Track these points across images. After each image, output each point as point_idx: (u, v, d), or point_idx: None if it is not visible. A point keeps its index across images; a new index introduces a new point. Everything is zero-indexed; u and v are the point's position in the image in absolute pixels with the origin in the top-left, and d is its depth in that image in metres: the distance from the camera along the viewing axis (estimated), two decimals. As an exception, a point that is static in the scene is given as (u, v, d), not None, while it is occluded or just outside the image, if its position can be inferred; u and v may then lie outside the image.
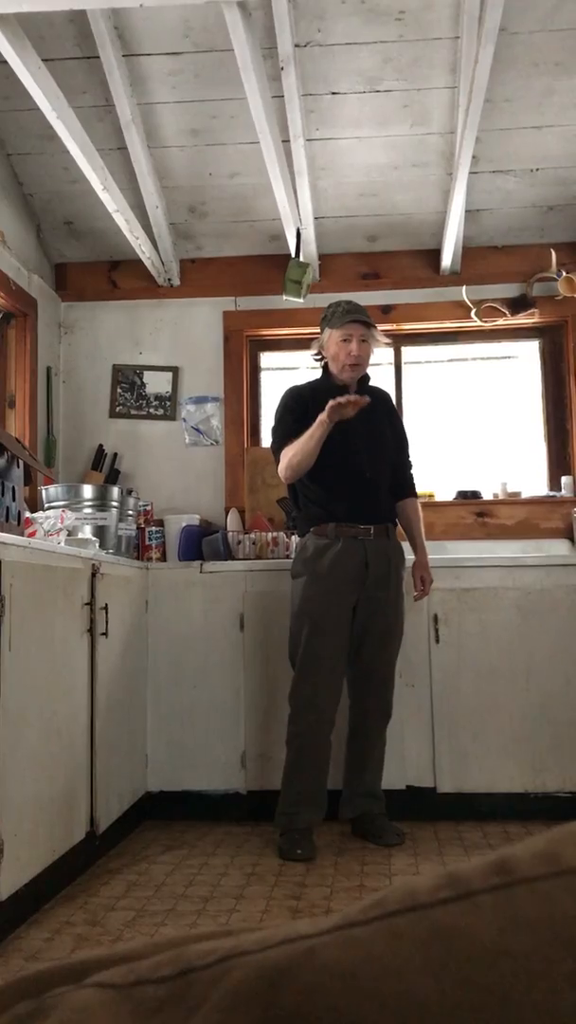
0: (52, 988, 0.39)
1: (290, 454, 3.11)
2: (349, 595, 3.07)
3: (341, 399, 2.93)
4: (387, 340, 3.31)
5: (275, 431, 3.27)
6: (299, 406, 3.19)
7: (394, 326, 4.41)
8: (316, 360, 3.32)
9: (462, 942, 0.32)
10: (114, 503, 3.72)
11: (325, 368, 3.28)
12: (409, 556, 3.28)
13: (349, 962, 0.33)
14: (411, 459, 3.40)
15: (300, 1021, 0.32)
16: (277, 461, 3.21)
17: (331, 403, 2.93)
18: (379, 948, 0.33)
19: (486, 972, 0.31)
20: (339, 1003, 0.32)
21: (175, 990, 0.36)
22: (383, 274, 4.38)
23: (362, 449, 3.14)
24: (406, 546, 3.29)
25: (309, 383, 3.38)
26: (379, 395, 3.34)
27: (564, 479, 4.21)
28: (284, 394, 3.31)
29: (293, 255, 4.06)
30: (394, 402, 3.44)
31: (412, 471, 3.39)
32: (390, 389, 4.44)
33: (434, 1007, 0.31)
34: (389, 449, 3.26)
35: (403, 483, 3.33)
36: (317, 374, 3.33)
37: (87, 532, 3.53)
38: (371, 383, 3.34)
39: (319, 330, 3.26)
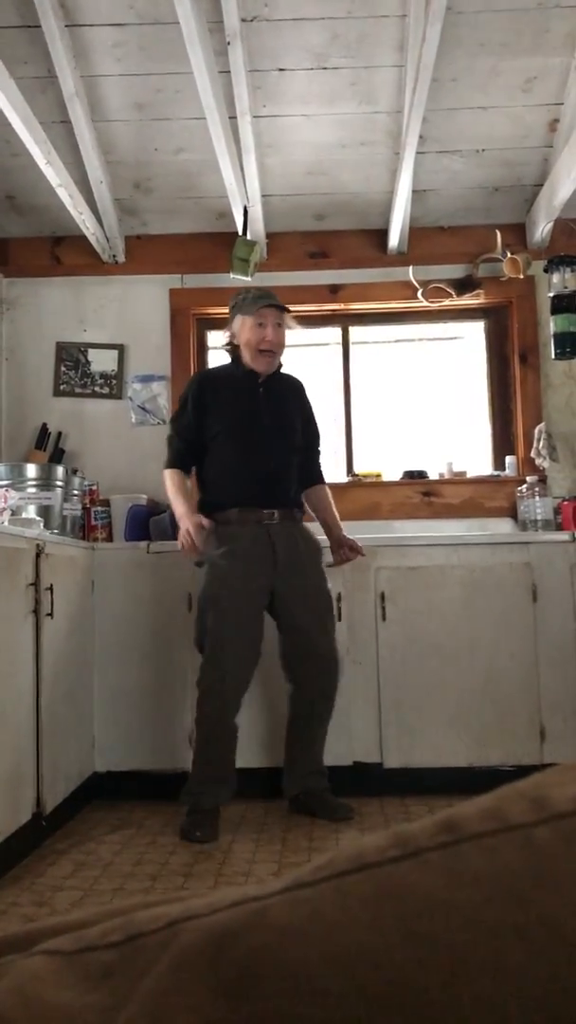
0: (1, 957, 0.39)
1: (168, 483, 3.21)
2: (256, 580, 3.04)
3: (191, 540, 3.04)
4: (298, 325, 3.31)
5: (174, 420, 3.32)
6: (203, 396, 3.20)
7: (341, 306, 4.41)
8: (226, 349, 3.30)
9: (410, 898, 0.33)
10: (59, 483, 3.68)
11: (235, 357, 3.25)
12: (323, 539, 3.30)
13: (298, 921, 0.33)
14: (320, 448, 3.43)
15: (250, 980, 0.32)
16: (168, 449, 3.27)
17: (184, 540, 3.04)
18: (327, 907, 0.33)
19: (434, 926, 0.32)
20: (288, 961, 0.32)
21: (124, 955, 0.36)
22: (330, 253, 4.38)
23: (268, 437, 3.15)
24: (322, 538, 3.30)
25: (219, 369, 3.39)
26: (291, 383, 3.36)
27: (508, 459, 4.26)
28: (191, 379, 3.33)
29: (240, 233, 4.03)
30: (307, 391, 3.41)
31: (320, 459, 3.42)
32: (337, 369, 4.46)
33: (383, 962, 0.31)
34: (297, 438, 3.26)
35: (312, 470, 3.36)
36: None
37: (31, 512, 3.48)
38: (284, 369, 3.34)
39: (228, 318, 3.26)
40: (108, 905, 0.42)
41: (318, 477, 3.39)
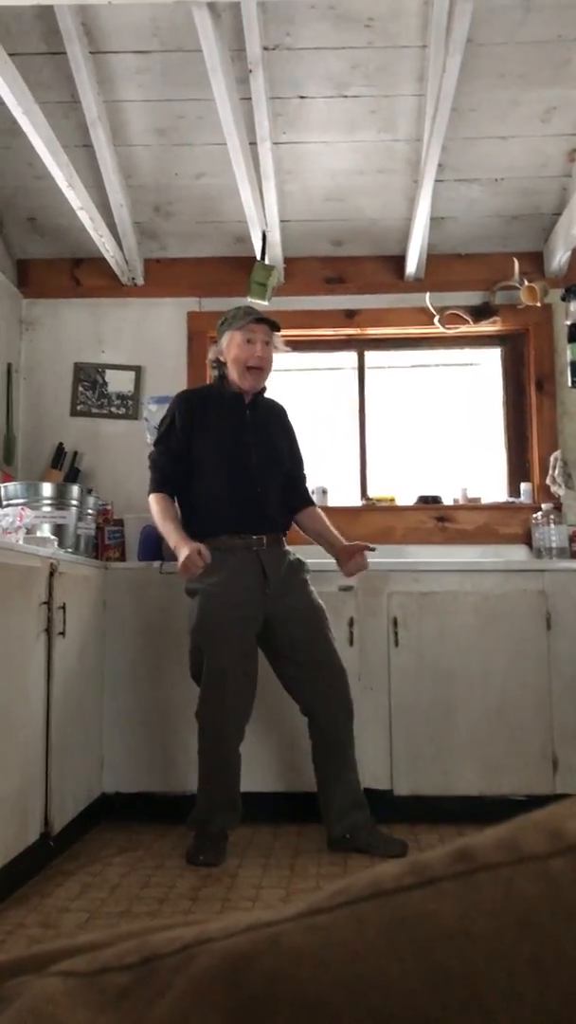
0: (14, 977, 0.39)
1: (155, 508, 3.11)
2: (249, 607, 2.99)
3: (194, 564, 2.91)
4: (287, 348, 3.25)
5: (158, 441, 3.22)
6: (190, 415, 3.13)
7: (358, 331, 4.43)
8: (212, 367, 3.26)
9: (425, 926, 0.32)
10: (73, 502, 3.70)
11: (221, 377, 3.20)
12: (316, 560, 3.23)
13: (313, 947, 0.33)
14: (305, 473, 3.37)
15: (264, 1006, 0.32)
16: (153, 472, 3.18)
17: (185, 563, 2.92)
18: (343, 933, 0.33)
19: (449, 955, 0.32)
20: (303, 988, 0.32)
21: (139, 977, 0.36)
22: (347, 279, 4.40)
23: (253, 463, 3.09)
24: (317, 555, 3.25)
25: (203, 388, 3.37)
26: (275, 409, 3.31)
27: (523, 486, 4.26)
28: (175, 399, 3.25)
29: (258, 257, 4.06)
30: (290, 417, 3.36)
31: (306, 484, 3.36)
32: (352, 394, 4.48)
33: (398, 990, 0.31)
34: (282, 463, 3.21)
35: (300, 494, 3.31)
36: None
37: (46, 531, 3.50)
38: (269, 395, 3.29)
39: (219, 338, 3.19)
40: (122, 927, 0.42)
41: (308, 500, 3.33)
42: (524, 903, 0.32)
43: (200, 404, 3.17)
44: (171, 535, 3.04)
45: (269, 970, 0.33)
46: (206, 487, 3.08)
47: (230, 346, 3.11)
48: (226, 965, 0.34)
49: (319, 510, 3.34)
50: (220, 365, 3.19)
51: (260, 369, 3.12)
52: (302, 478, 3.35)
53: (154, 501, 3.13)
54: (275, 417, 3.28)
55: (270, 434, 3.19)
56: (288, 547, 3.16)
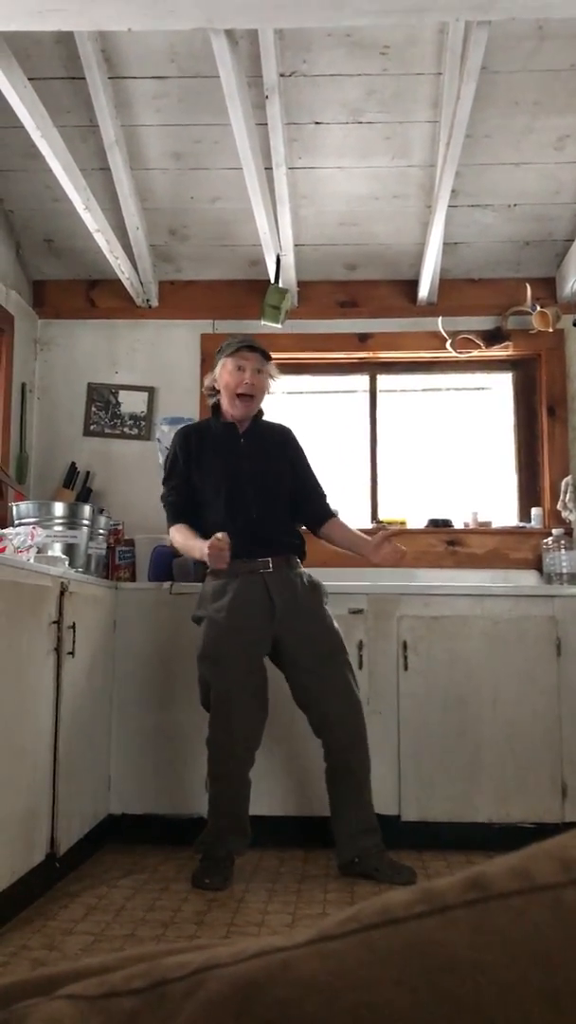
0: (21, 1000, 0.39)
1: (177, 542, 3.15)
2: (257, 632, 2.98)
3: (217, 545, 2.86)
4: (279, 376, 3.23)
5: (166, 480, 3.27)
6: (184, 451, 3.17)
7: (370, 354, 4.45)
8: (209, 397, 3.26)
9: (437, 955, 0.32)
10: (85, 521, 3.71)
11: (215, 407, 3.22)
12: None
13: (324, 974, 0.33)
14: (322, 490, 3.32)
15: (274, 1034, 0.32)
16: (167, 510, 3.21)
17: (209, 550, 2.87)
18: (354, 961, 0.33)
19: (460, 984, 0.31)
20: (314, 1015, 0.32)
21: (148, 1002, 0.36)
22: (360, 303, 4.42)
23: (249, 486, 3.08)
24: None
25: (201, 423, 3.38)
26: (276, 433, 3.29)
27: (534, 510, 4.25)
28: (175, 435, 3.28)
29: (272, 281, 4.09)
30: (296, 436, 3.34)
31: (326, 500, 3.32)
32: (364, 417, 4.48)
33: (408, 1019, 0.31)
34: (282, 484, 3.19)
35: (320, 510, 3.29)
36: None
37: (57, 550, 3.50)
38: (265, 418, 3.29)
39: (213, 366, 3.21)
40: (129, 950, 0.42)
41: (329, 513, 3.30)
42: (536, 933, 0.32)
43: (196, 438, 3.20)
44: (194, 549, 3.04)
45: (280, 997, 0.33)
46: (210, 517, 3.09)
47: (222, 373, 3.13)
48: (236, 991, 0.34)
49: (341, 520, 3.31)
50: (215, 393, 3.21)
51: (251, 396, 3.12)
52: (319, 494, 3.32)
53: (174, 532, 3.16)
54: (274, 441, 3.25)
55: (268, 459, 3.17)
56: (304, 569, 3.15)
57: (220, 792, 2.97)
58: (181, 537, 3.12)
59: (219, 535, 2.89)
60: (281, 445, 3.28)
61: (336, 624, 3.10)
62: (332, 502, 3.38)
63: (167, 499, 3.23)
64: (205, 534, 3.04)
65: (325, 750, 3.03)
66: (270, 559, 3.05)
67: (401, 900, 0.35)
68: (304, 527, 3.32)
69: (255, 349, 3.11)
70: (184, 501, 3.17)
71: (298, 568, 3.13)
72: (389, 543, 3.11)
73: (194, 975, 0.36)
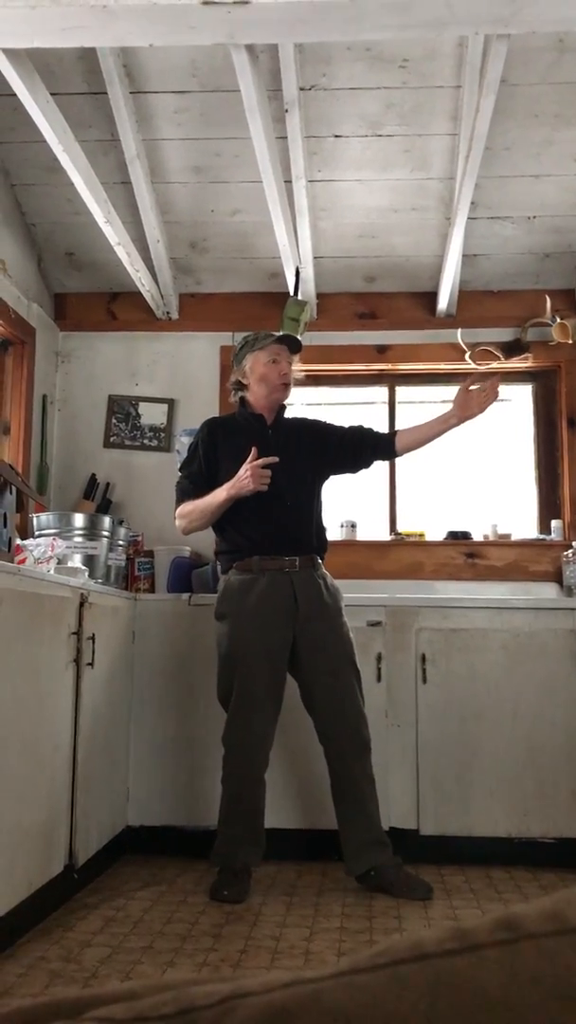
0: (49, 1022, 0.39)
1: (188, 511, 3.10)
2: (280, 632, 2.98)
3: (256, 465, 2.91)
4: (303, 375, 3.29)
5: (182, 467, 3.26)
6: (213, 442, 3.16)
7: (389, 366, 4.45)
8: (232, 389, 3.25)
9: (467, 993, 0.32)
10: (105, 533, 3.72)
11: (242, 401, 3.22)
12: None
13: (353, 1006, 0.33)
14: (360, 425, 3.29)
15: (304, 1065, 0.32)
16: (177, 499, 3.19)
17: (251, 470, 2.92)
18: (384, 994, 0.33)
19: (489, 1022, 0.31)
20: None
21: None
22: (380, 314, 4.43)
23: (282, 481, 3.04)
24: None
25: (227, 416, 3.37)
26: (297, 426, 3.28)
27: (554, 523, 4.23)
28: (201, 426, 3.27)
29: (292, 293, 4.10)
30: (315, 418, 3.36)
31: (373, 428, 3.30)
32: (383, 428, 4.47)
33: None
34: (310, 481, 3.18)
35: (380, 436, 3.27)
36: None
37: (77, 561, 3.52)
38: (287, 415, 3.29)
39: (233, 364, 3.21)
40: (158, 978, 0.42)
41: (391, 432, 3.31)
42: (568, 975, 0.32)
43: (223, 430, 3.20)
44: (218, 495, 3.02)
45: None
46: (236, 511, 3.06)
47: (255, 366, 3.13)
48: (265, 1020, 0.34)
49: (404, 428, 3.29)
50: (241, 387, 3.20)
51: (286, 385, 3.15)
52: (365, 430, 3.27)
53: (183, 507, 3.14)
54: (298, 434, 3.22)
55: (295, 454, 3.14)
56: (324, 570, 3.14)
57: (235, 795, 2.98)
58: (192, 504, 3.10)
59: (249, 465, 2.92)
60: (305, 433, 3.24)
61: (351, 633, 3.09)
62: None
63: (180, 484, 3.21)
64: (233, 525, 3.06)
65: (327, 758, 3.04)
66: (297, 558, 3.04)
67: (433, 937, 0.35)
68: (384, 460, 3.36)
69: (283, 341, 3.14)
70: (195, 490, 3.13)
71: (321, 569, 3.12)
72: (470, 392, 3.08)
73: (223, 1003, 0.36)
